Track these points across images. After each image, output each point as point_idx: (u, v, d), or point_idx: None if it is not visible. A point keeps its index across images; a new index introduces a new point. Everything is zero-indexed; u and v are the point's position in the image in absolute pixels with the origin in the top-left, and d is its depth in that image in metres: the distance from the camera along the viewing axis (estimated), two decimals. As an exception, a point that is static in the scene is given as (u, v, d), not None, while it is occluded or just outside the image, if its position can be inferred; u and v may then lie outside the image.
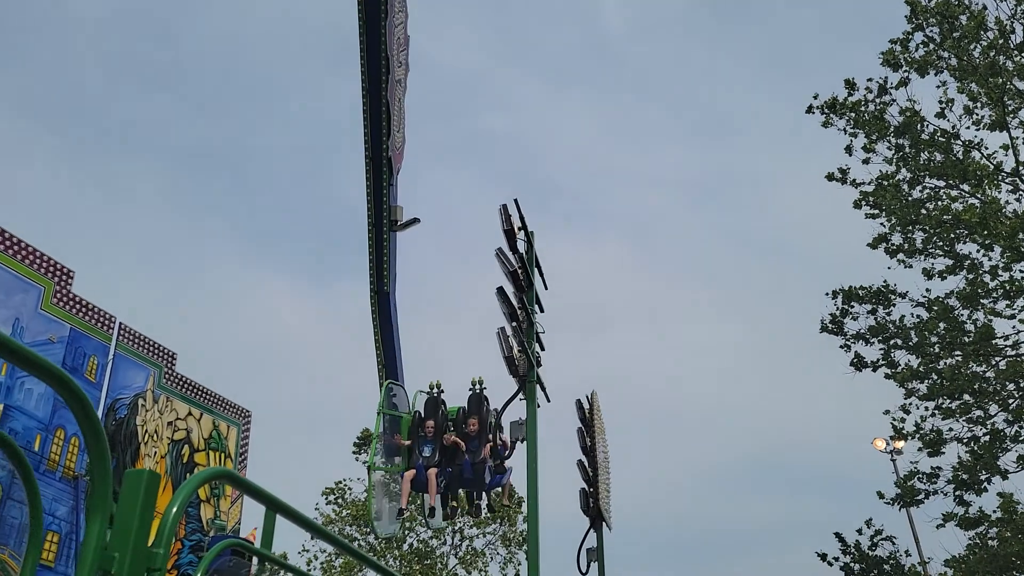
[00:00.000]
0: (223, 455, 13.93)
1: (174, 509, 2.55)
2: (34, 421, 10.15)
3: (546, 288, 10.97)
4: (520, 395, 9.23)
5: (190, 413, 13.21)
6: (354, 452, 29.33)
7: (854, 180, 18.91)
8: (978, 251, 17.06)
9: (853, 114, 18.16)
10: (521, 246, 10.39)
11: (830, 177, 19.20)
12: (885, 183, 18.18)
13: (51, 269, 10.78)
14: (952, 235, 17.21)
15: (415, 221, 10.92)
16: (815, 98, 18.97)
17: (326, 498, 28.52)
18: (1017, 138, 16.60)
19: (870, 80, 17.88)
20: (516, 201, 10.04)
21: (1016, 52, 16.11)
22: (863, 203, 18.72)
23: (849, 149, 18.79)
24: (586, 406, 13.13)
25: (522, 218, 10.34)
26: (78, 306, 11.15)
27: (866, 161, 18.63)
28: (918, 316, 17.88)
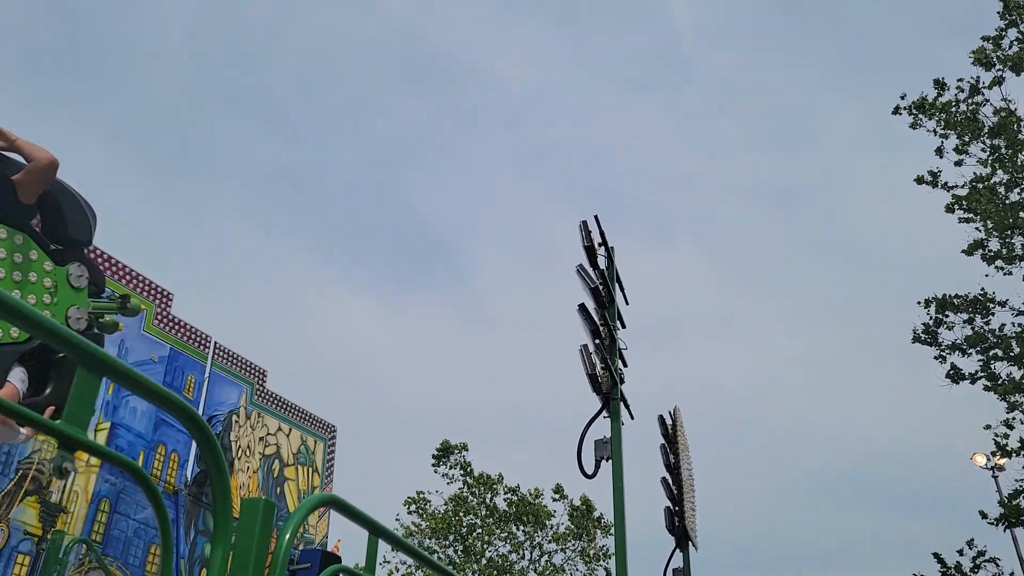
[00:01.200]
0: (311, 469, 14.32)
1: (287, 536, 2.66)
2: (138, 438, 10.66)
3: (627, 304, 10.92)
4: (604, 413, 9.19)
5: (280, 428, 13.63)
6: (433, 464, 29.68)
7: (946, 183, 18.16)
8: (1085, 257, 16.12)
9: (944, 115, 17.47)
10: (601, 262, 10.37)
11: (919, 180, 18.49)
12: (980, 186, 17.39)
13: (153, 292, 11.34)
14: (1055, 241, 16.32)
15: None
16: (902, 98, 18.37)
17: (407, 508, 28.93)
18: None
19: (960, 80, 17.16)
20: (596, 217, 10.06)
21: (1123, 44, 15.20)
22: (956, 207, 17.95)
23: (940, 151, 18.07)
24: (669, 422, 12.95)
25: (602, 233, 10.33)
26: (176, 326, 11.68)
27: (958, 163, 17.89)
28: (1020, 325, 16.98)
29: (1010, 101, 16.61)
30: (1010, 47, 16.62)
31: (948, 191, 18.09)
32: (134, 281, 11.03)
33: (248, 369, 13.12)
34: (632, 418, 9.79)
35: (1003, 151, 17.02)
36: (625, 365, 10.16)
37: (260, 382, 13.35)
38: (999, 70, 16.65)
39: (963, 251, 17.94)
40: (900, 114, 18.44)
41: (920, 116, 18.02)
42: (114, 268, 10.76)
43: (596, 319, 9.53)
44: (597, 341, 9.26)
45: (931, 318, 18.23)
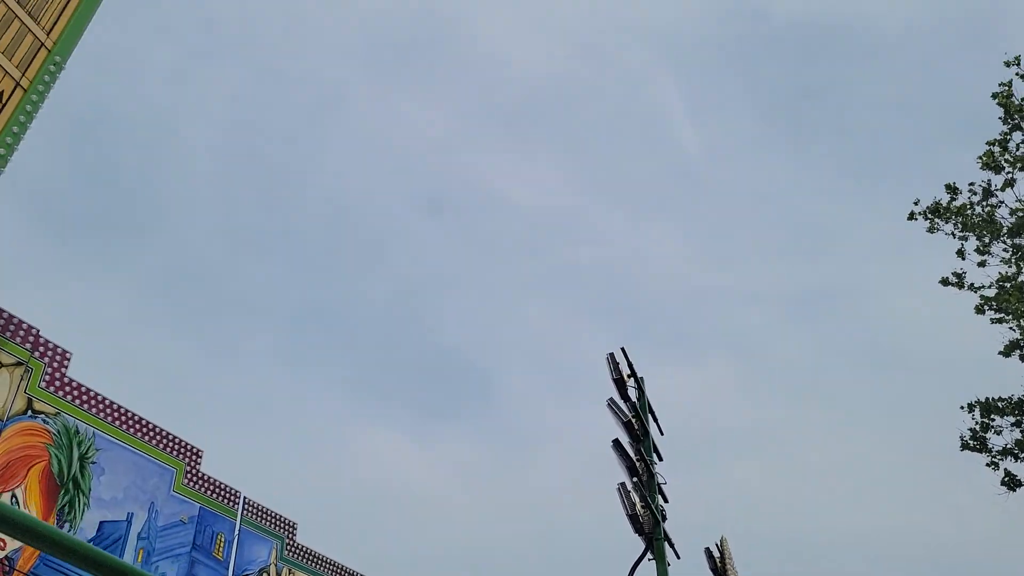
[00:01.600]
0: (345, 624, 13.71)
1: None
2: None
3: (662, 434, 10.66)
4: (649, 555, 8.79)
5: (312, 583, 13.16)
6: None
7: (972, 284, 18.02)
8: None
9: (960, 218, 17.55)
10: (632, 393, 10.22)
11: (944, 282, 18.38)
12: (1007, 285, 17.22)
13: (182, 451, 11.26)
14: (1094, 336, 15.95)
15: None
16: (916, 204, 18.52)
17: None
18: None
19: (972, 184, 17.36)
20: (623, 349, 9.99)
21: None
22: (986, 307, 17.72)
23: (961, 253, 18.04)
24: (716, 554, 12.36)
25: (630, 364, 10.23)
26: (206, 484, 11.52)
27: (982, 264, 17.80)
28: (1071, 426, 16.36)
29: (1025, 201, 16.70)
30: (1017, 148, 16.87)
31: (975, 291, 17.92)
32: (164, 440, 10.99)
33: (278, 523, 12.82)
34: (678, 558, 9.35)
35: (1026, 250, 16.97)
36: (666, 501, 9.81)
37: (290, 535, 13.01)
38: (1009, 172, 16.85)
39: (1000, 352, 17.57)
40: (916, 219, 18.55)
41: (936, 220, 18.11)
42: (144, 430, 10.75)
43: (632, 454, 9.28)
44: (635, 479, 8.99)
45: (977, 423, 17.63)
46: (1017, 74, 16.51)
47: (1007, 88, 16.60)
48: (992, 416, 17.32)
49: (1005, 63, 16.65)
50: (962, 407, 17.72)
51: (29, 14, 6.16)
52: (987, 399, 17.38)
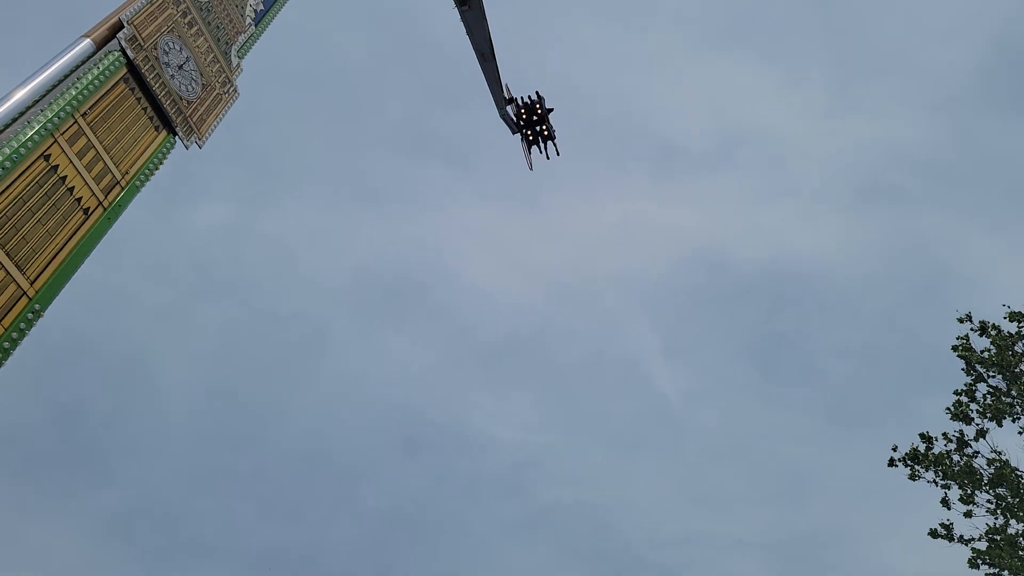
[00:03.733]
0: None
1: None
2: None
3: None
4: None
5: None
6: None
7: (961, 536, 17.45)
8: None
9: (940, 467, 17.43)
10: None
11: (934, 534, 17.80)
12: (997, 538, 16.70)
13: None
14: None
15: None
16: (894, 450, 18.44)
17: None
18: None
19: (946, 434, 17.48)
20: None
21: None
22: (979, 561, 17.03)
23: (946, 502, 17.68)
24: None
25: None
26: None
27: (968, 514, 17.38)
28: None
29: (1000, 452, 16.72)
30: (984, 399, 17.19)
31: (966, 544, 17.33)
32: None
33: None
34: None
35: (1009, 500, 16.66)
36: None
37: None
38: (978, 424, 17.04)
39: (1001, 611, 16.62)
40: (896, 466, 18.39)
41: (917, 467, 17.96)
42: None
43: None
44: None
45: None
46: (971, 329, 17.26)
47: (965, 341, 17.27)
48: None
49: (958, 319, 17.47)
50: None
51: (16, 264, 6.40)
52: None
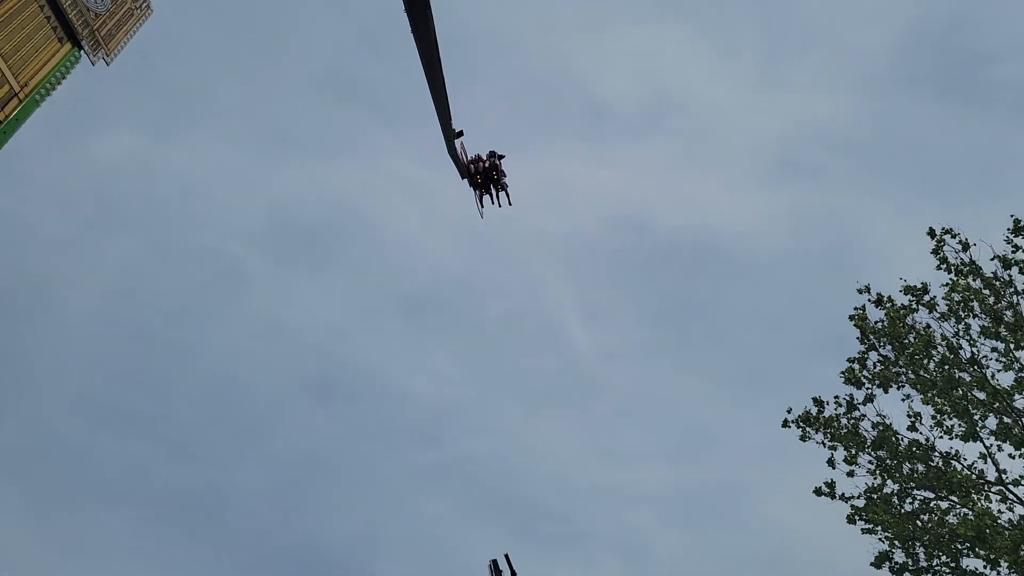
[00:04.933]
0: None
1: None
2: None
3: (540, 649, 10.02)
4: None
5: None
6: None
7: (843, 494, 18.60)
8: (985, 566, 16.31)
9: (828, 429, 18.47)
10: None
11: (818, 492, 18.89)
12: (875, 496, 17.91)
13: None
14: (954, 549, 16.57)
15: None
16: (788, 412, 19.37)
17: None
18: (991, 446, 16.78)
19: (837, 398, 18.49)
20: (507, 556, 9.60)
21: (968, 366, 16.94)
22: (857, 518, 18.24)
23: (831, 462, 18.76)
24: None
25: (513, 573, 9.79)
26: None
27: (850, 474, 18.52)
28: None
29: (884, 416, 17.84)
30: (875, 367, 18.25)
31: (846, 501, 18.48)
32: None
33: None
34: None
35: (888, 462, 17.85)
36: None
37: None
38: (868, 388, 18.10)
39: (871, 564, 17.93)
40: (789, 427, 19.36)
41: (808, 429, 18.96)
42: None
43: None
44: None
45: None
46: (869, 300, 18.22)
47: (861, 311, 18.23)
48: (868, 630, 17.33)
49: (858, 290, 18.41)
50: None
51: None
52: (862, 612, 17.47)
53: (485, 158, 13.90)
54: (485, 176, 13.86)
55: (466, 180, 14.05)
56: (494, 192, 14.33)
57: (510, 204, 14.18)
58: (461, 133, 12.65)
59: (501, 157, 14.11)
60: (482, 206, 14.17)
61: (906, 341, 17.60)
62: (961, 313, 17.33)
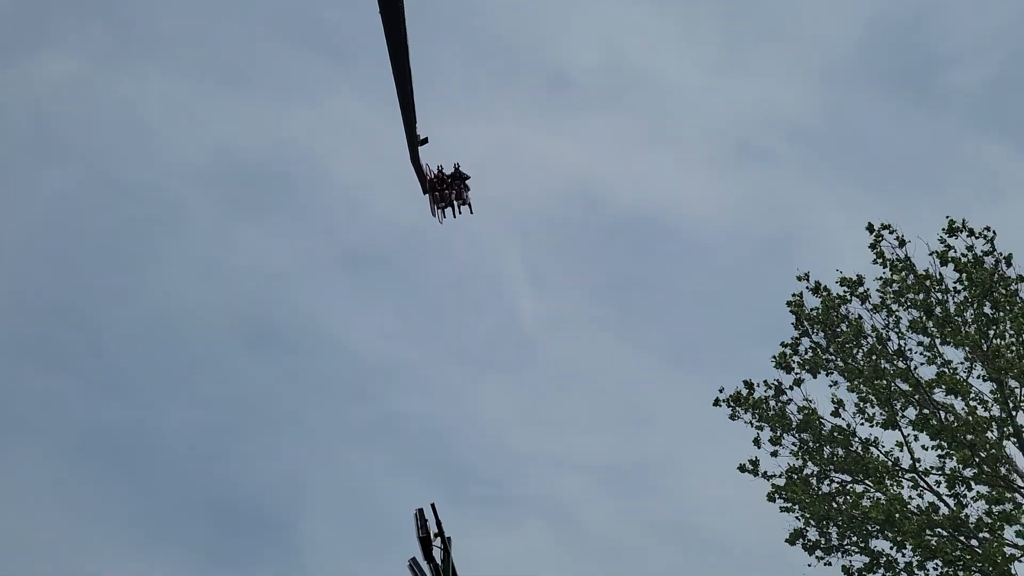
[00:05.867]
0: None
1: None
2: None
3: (463, 600, 10.23)
4: None
5: None
6: None
7: (765, 472, 19.28)
8: (891, 548, 17.18)
9: (757, 410, 19.10)
10: (437, 554, 9.86)
11: (742, 468, 19.54)
12: (795, 476, 18.63)
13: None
14: (864, 531, 17.40)
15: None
16: (720, 392, 19.92)
17: None
18: (909, 436, 17.59)
19: (766, 381, 19.10)
20: (433, 506, 9.75)
21: (895, 358, 17.67)
22: (776, 496, 18.95)
23: (757, 442, 19.40)
24: None
25: (439, 523, 9.95)
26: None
27: (774, 454, 19.20)
28: (844, 617, 17.42)
29: (811, 401, 18.53)
30: (806, 353, 18.90)
31: (768, 480, 19.19)
32: None
33: None
34: None
35: (810, 445, 18.58)
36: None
37: None
38: (797, 373, 18.76)
39: (786, 540, 18.72)
40: (720, 406, 19.93)
41: (738, 409, 19.57)
42: None
43: (428, 621, 8.83)
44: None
45: (764, 608, 18.41)
46: (807, 287, 18.80)
47: (799, 298, 18.80)
48: (778, 603, 18.18)
49: (797, 277, 18.96)
50: (752, 592, 18.51)
51: None
52: (773, 585, 18.30)
53: (448, 175, 13.19)
54: (445, 186, 13.23)
55: (427, 196, 13.37)
56: (455, 205, 13.56)
57: (471, 212, 13.39)
58: (426, 140, 11.94)
59: (466, 177, 13.52)
60: (443, 214, 13.44)
61: (838, 330, 18.24)
62: (893, 306, 18.01)
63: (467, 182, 13.02)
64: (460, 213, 13.30)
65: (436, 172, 13.12)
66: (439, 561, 9.95)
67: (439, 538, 10.11)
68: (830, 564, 18.04)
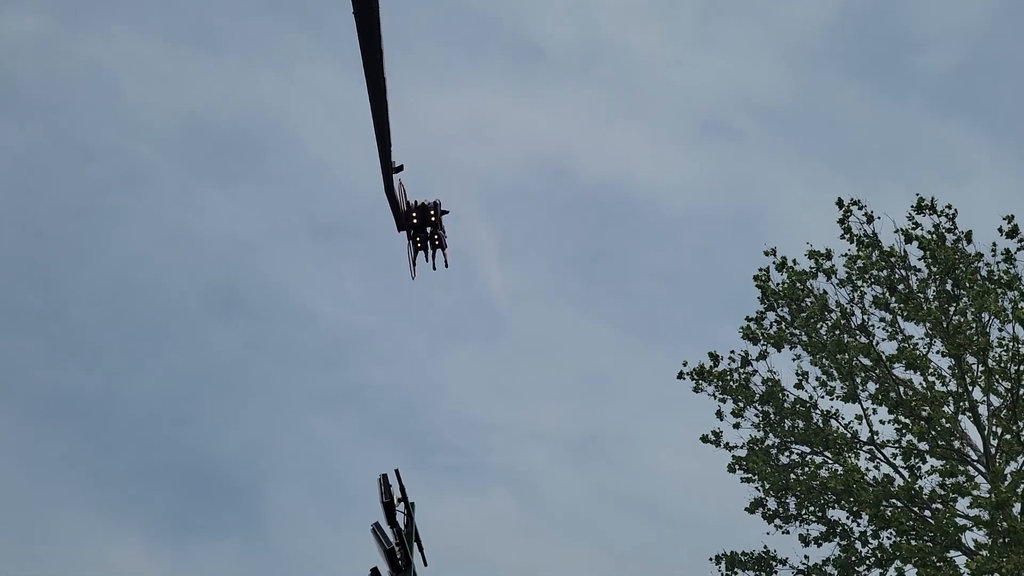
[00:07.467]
0: None
1: None
2: None
3: (425, 565, 10.29)
4: None
5: None
6: None
7: (727, 443, 19.51)
8: (848, 518, 17.57)
9: (720, 382, 19.28)
10: (400, 519, 9.86)
11: (704, 439, 19.74)
12: (756, 448, 18.90)
13: None
14: (822, 501, 17.77)
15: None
16: (684, 365, 20.02)
17: None
18: (868, 409, 17.91)
19: (732, 352, 19.27)
20: (397, 471, 9.71)
21: (857, 333, 17.92)
22: (736, 467, 19.22)
23: (720, 414, 19.59)
24: None
25: (402, 488, 9.93)
26: None
27: (736, 426, 19.42)
28: (799, 584, 17.83)
29: (775, 373, 18.77)
30: (771, 326, 19.08)
31: (729, 451, 19.44)
32: None
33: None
34: None
35: (772, 417, 18.84)
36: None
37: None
38: (763, 345, 18.95)
39: (746, 509, 19.06)
40: (684, 379, 20.06)
41: (701, 382, 19.72)
42: None
43: (391, 585, 8.83)
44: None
45: (722, 574, 18.75)
46: (773, 263, 18.92)
47: (765, 273, 18.92)
48: (735, 569, 18.54)
49: (764, 252, 19.06)
50: (711, 559, 18.84)
51: None
52: (731, 552, 18.64)
53: (429, 207, 12.21)
54: (423, 214, 12.20)
55: (403, 232, 12.48)
56: (430, 249, 12.54)
57: (447, 266, 12.29)
58: (401, 167, 11.06)
59: (444, 212, 12.60)
60: (415, 264, 12.47)
61: (803, 304, 18.42)
62: (858, 282, 18.22)
63: (444, 218, 11.98)
64: (436, 268, 12.09)
65: (413, 204, 12.05)
66: (402, 526, 9.94)
67: (403, 503, 10.09)
68: (788, 532, 18.45)
